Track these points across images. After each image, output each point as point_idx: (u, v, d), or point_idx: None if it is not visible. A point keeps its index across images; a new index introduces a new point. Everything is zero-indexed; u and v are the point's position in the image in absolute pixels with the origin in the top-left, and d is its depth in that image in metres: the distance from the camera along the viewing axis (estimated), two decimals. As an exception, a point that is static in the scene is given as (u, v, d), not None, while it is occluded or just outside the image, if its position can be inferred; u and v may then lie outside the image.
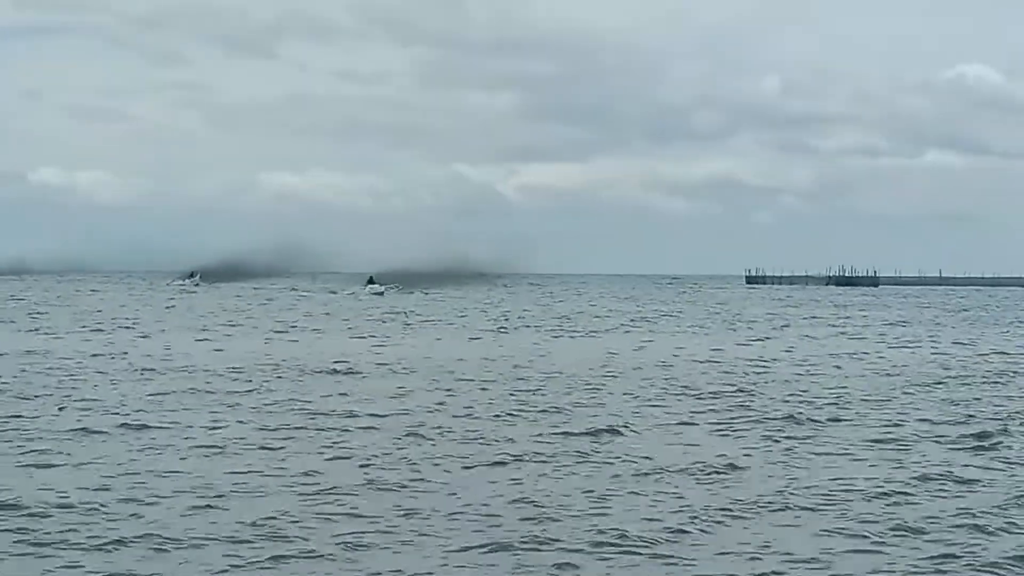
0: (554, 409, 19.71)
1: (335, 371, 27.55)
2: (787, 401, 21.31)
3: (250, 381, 24.65)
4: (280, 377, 25.84)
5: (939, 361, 32.51)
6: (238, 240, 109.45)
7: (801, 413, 19.15)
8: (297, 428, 17.54)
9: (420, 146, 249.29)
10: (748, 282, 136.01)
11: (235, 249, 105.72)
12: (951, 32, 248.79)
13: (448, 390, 22.98)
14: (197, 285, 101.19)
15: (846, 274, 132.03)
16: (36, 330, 43.27)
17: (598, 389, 23.08)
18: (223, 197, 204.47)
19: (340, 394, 22.48)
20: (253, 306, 69.89)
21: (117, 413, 18.90)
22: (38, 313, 55.64)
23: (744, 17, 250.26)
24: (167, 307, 65.17)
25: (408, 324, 49.67)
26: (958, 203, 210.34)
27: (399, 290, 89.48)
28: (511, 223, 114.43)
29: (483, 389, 23.27)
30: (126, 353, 32.59)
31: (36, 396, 21.23)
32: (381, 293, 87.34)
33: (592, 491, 12.56)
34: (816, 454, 15.39)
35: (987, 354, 35.44)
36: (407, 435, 16.67)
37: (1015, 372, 29.04)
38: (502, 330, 44.92)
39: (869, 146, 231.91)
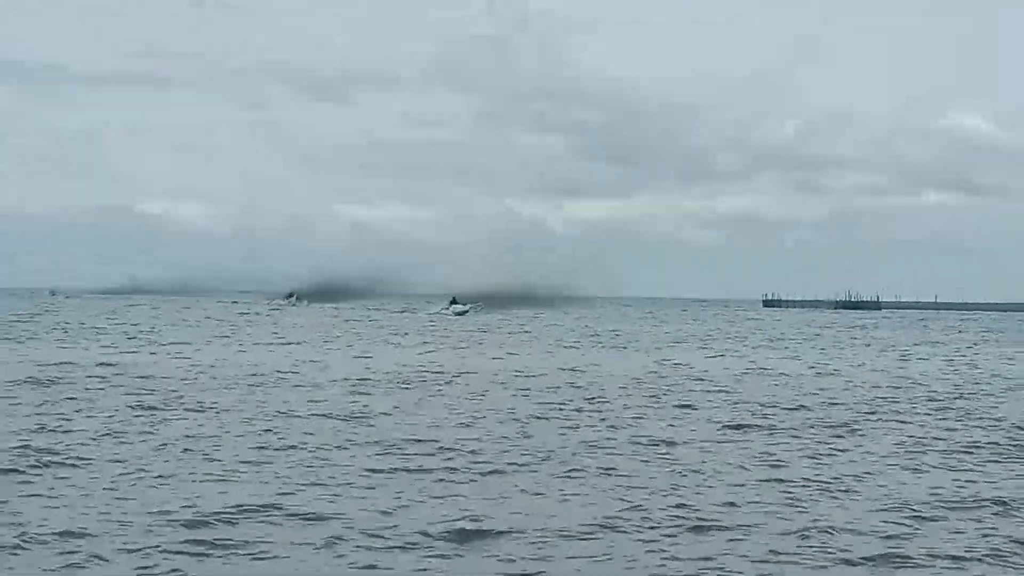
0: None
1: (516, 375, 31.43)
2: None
3: (467, 385, 28.17)
4: (457, 382, 29.18)
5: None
6: (322, 265, 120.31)
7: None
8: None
9: (476, 183, 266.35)
10: (765, 305, 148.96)
11: (323, 273, 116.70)
12: (948, 84, 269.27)
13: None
14: (294, 305, 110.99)
15: (852, 299, 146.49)
16: (184, 343, 45.36)
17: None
18: (303, 227, 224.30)
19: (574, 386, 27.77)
20: (363, 321, 76.77)
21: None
22: (175, 328, 59.90)
23: (765, 71, 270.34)
24: (294, 324, 69.75)
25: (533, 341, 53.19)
26: (953, 237, 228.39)
27: (479, 310, 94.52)
28: (558, 252, 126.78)
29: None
30: (310, 361, 35.74)
31: (235, 397, 23.77)
32: (464, 312, 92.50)
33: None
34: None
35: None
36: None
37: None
38: (619, 347, 49.45)
39: (875, 186, 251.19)
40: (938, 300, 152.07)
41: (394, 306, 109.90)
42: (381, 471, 14.88)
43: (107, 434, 17.94)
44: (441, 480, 14.49)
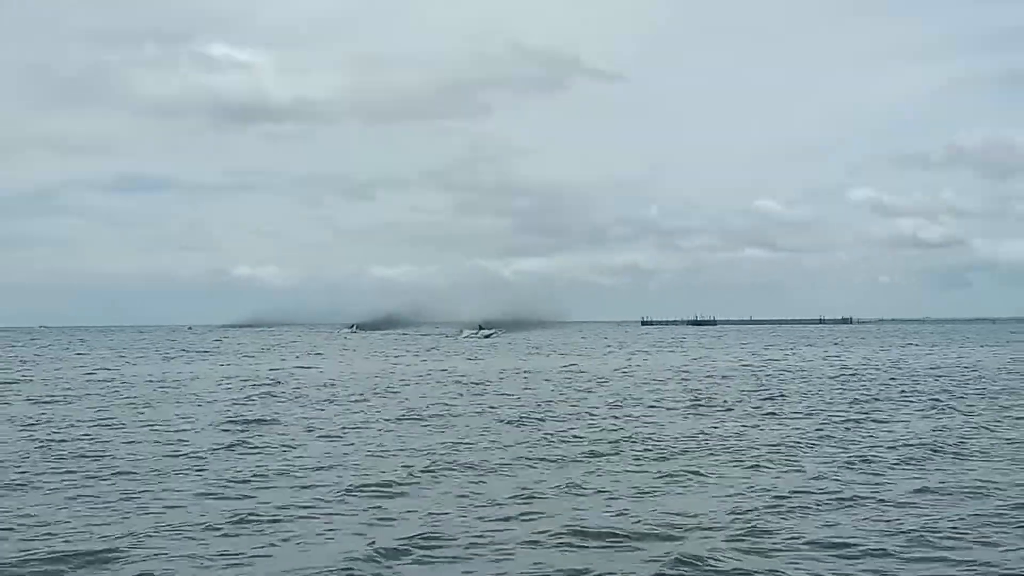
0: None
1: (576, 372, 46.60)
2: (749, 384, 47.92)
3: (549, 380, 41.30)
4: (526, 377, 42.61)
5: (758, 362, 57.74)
6: (367, 307, 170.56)
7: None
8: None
9: (456, 250, 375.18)
10: (643, 324, 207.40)
11: (369, 312, 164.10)
12: (755, 180, 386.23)
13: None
14: (355, 332, 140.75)
15: (699, 319, 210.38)
16: (301, 355, 66.09)
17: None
18: (346, 282, 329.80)
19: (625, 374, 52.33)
20: (419, 343, 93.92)
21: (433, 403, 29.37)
22: (294, 348, 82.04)
23: (641, 172, 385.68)
24: (375, 347, 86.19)
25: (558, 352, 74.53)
26: (762, 278, 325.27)
27: (500, 334, 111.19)
28: (510, 295, 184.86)
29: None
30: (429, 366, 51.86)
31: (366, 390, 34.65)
32: (490, 335, 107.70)
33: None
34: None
35: (778, 358, 60.77)
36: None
37: (804, 367, 51.42)
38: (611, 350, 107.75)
39: (712, 246, 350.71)
40: (752, 318, 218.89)
41: (433, 332, 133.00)
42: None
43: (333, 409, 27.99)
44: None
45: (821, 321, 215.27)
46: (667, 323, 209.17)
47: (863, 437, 21.47)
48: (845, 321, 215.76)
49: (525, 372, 47.09)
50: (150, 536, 12.45)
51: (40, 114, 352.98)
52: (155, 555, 11.57)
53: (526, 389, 36.18)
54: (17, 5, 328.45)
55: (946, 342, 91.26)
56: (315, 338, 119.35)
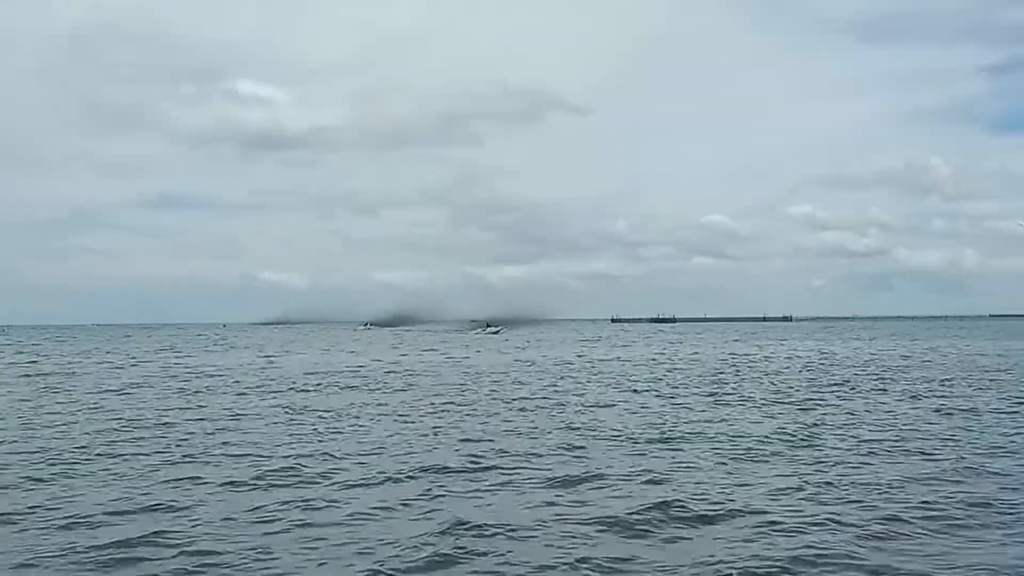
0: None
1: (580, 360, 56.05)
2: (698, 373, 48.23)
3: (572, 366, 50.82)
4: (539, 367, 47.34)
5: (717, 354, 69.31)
6: (377, 306, 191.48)
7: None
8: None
9: (450, 258, 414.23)
10: (612, 322, 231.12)
11: (380, 311, 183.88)
12: (706, 197, 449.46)
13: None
14: (368, 329, 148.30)
15: (660, 317, 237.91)
16: (327, 350, 72.92)
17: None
18: (357, 285, 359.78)
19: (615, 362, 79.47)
20: (439, 338, 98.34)
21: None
22: (324, 343, 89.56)
23: (609, 193, 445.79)
24: (393, 342, 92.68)
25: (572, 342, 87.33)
26: (713, 281, 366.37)
27: (506, 330, 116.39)
28: (499, 297, 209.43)
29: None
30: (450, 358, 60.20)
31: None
32: (497, 331, 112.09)
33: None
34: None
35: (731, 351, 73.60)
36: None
37: (768, 356, 58.72)
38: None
39: (669, 255, 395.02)
40: (707, 316, 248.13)
41: (444, 329, 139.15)
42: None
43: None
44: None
45: (764, 319, 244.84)
46: (634, 320, 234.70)
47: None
48: (786, 319, 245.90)
49: (567, 361, 53.52)
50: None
51: (92, 140, 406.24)
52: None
53: (588, 379, 39.47)
54: (74, 46, 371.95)
55: (883, 336, 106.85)
56: (339, 334, 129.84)
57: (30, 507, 13.76)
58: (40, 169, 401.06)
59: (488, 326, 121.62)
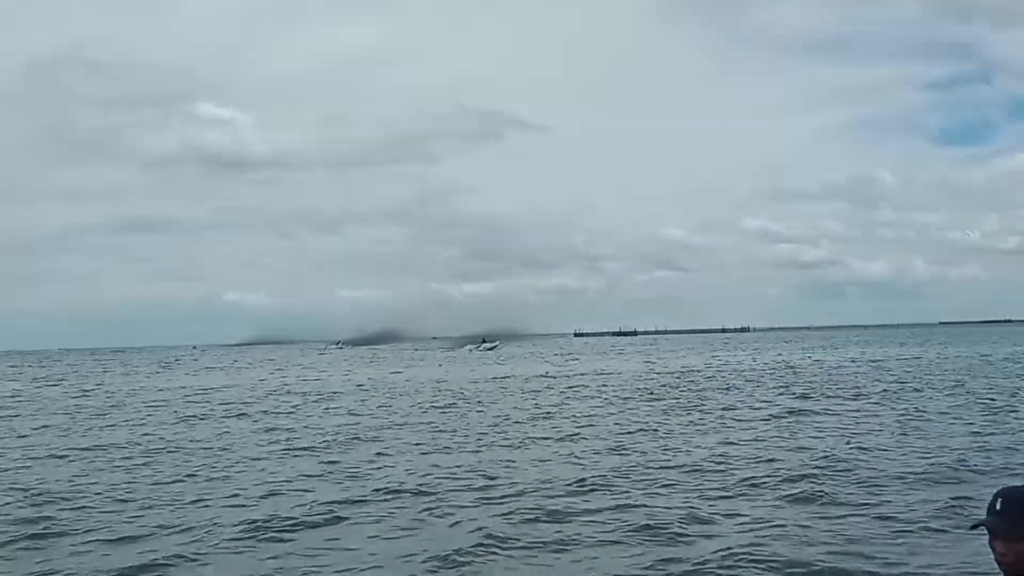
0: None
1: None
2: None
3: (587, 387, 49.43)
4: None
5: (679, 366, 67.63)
6: (341, 324, 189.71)
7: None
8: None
9: (413, 275, 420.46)
10: (575, 336, 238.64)
11: (349, 328, 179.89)
12: (662, 212, 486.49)
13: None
14: (341, 348, 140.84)
15: (622, 330, 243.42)
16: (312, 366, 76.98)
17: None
18: (321, 303, 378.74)
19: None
20: (434, 355, 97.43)
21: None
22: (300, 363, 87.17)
23: (568, 207, 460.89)
24: (368, 361, 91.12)
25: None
26: (669, 293, 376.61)
27: (502, 345, 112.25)
28: (461, 315, 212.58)
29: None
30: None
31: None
32: (493, 348, 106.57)
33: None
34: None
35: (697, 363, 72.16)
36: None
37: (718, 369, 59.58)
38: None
39: (627, 268, 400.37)
40: (666, 328, 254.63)
41: (424, 346, 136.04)
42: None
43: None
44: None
45: (723, 330, 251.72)
46: (596, 334, 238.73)
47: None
48: (744, 330, 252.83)
49: (601, 372, 57.27)
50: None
51: (57, 168, 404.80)
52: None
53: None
54: (37, 74, 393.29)
55: (844, 345, 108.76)
56: (315, 355, 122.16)
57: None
58: (4, 195, 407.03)
59: (484, 342, 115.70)
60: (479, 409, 32.53)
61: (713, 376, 50.22)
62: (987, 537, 3.57)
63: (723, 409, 29.80)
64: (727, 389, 39.50)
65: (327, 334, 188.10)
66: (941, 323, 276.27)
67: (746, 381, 44.65)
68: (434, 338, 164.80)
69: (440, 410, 32.41)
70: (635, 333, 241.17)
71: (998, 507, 3.51)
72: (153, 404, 38.68)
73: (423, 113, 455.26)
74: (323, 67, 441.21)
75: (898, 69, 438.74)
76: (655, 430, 24.73)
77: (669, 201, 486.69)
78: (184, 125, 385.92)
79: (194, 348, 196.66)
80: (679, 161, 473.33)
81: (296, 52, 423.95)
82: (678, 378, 48.92)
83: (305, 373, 66.73)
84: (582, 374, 55.96)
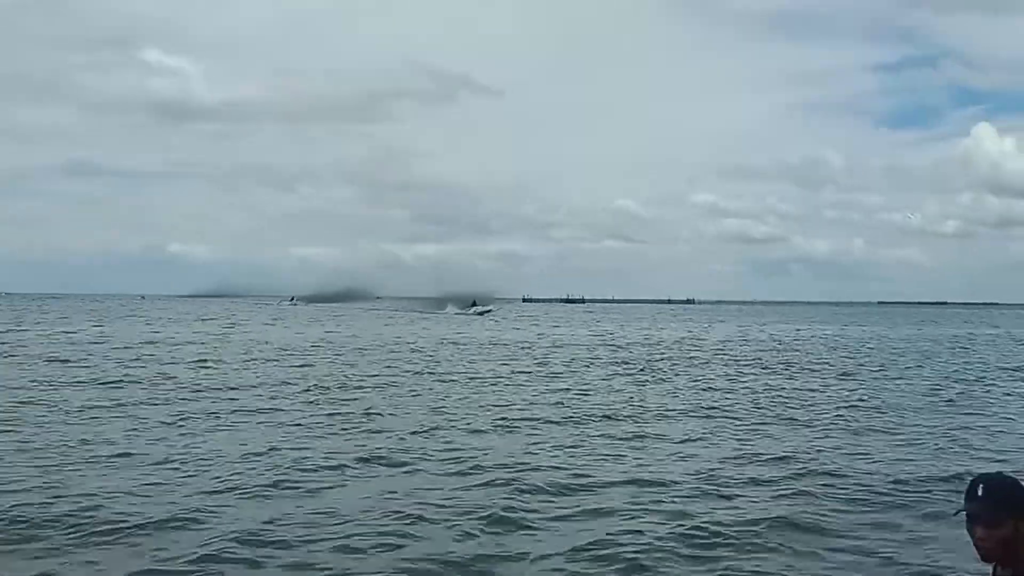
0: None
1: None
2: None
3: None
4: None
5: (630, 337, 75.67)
6: (298, 281, 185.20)
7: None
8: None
9: (366, 235, 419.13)
10: (523, 301, 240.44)
11: (303, 286, 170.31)
12: (615, 183, 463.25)
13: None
14: (295, 305, 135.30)
15: (570, 297, 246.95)
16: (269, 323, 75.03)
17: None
18: (271, 259, 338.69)
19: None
20: (429, 320, 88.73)
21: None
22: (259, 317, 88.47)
23: (518, 176, 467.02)
24: (334, 319, 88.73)
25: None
26: (620, 264, 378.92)
27: (495, 310, 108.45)
28: (412, 277, 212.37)
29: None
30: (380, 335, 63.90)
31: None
32: (486, 312, 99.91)
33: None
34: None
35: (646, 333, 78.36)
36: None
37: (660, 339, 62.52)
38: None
39: (578, 237, 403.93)
40: (613, 297, 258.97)
41: (395, 306, 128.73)
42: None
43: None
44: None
45: (669, 301, 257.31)
46: (544, 301, 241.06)
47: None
48: (689, 302, 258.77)
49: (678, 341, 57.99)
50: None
51: (5, 108, 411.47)
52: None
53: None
54: None
55: (805, 321, 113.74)
56: (278, 310, 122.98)
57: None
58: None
59: (475, 304, 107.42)
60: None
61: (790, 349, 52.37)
62: (966, 524, 3.54)
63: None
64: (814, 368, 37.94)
65: (278, 290, 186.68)
66: (879, 303, 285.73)
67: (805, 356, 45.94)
68: (403, 299, 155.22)
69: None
70: (583, 301, 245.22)
71: (979, 493, 3.46)
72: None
73: (378, 71, 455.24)
74: (276, 18, 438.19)
75: (851, 52, 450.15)
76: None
77: (622, 173, 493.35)
78: (134, 70, 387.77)
79: (142, 298, 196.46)
80: (632, 133, 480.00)
81: (249, 2, 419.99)
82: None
83: (337, 329, 66.43)
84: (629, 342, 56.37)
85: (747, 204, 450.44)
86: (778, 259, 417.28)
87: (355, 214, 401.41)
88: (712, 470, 14.86)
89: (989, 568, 3.64)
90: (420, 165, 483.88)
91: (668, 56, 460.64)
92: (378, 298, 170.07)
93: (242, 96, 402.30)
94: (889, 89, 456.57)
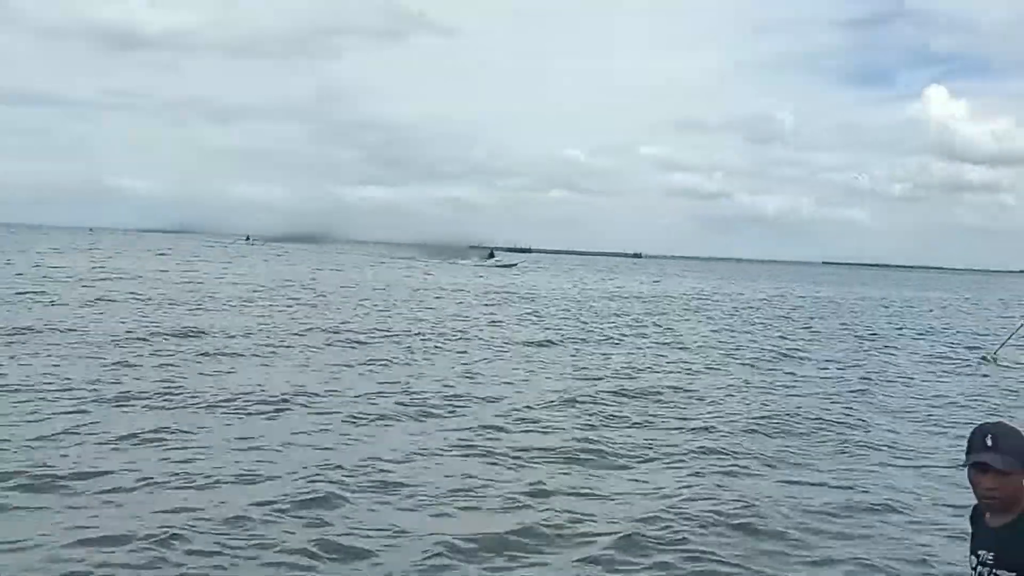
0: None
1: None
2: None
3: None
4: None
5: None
6: (253, 220, 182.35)
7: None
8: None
9: (313, 176, 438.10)
10: (471, 248, 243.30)
11: (259, 225, 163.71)
12: (563, 132, 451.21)
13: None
14: (252, 244, 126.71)
15: (516, 247, 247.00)
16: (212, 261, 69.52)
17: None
18: (214, 197, 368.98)
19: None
20: (450, 270, 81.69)
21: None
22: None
23: (471, 123, 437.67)
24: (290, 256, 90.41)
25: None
26: (567, 213, 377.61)
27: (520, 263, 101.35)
28: (356, 217, 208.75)
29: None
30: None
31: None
32: (511, 265, 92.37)
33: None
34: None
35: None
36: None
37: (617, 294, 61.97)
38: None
39: (525, 185, 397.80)
40: (559, 249, 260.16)
41: (382, 252, 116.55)
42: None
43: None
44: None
45: (615, 254, 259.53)
46: (506, 249, 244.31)
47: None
48: (636, 255, 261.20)
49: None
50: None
51: None
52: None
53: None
54: None
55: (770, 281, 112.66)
56: (255, 249, 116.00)
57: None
58: None
59: (492, 255, 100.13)
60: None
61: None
62: (968, 474, 3.60)
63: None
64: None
65: (230, 228, 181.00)
66: (824, 263, 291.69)
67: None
68: (391, 244, 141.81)
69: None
70: (529, 251, 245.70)
71: (988, 443, 3.52)
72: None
73: (326, 4, 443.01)
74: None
75: (813, 5, 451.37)
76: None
77: (571, 121, 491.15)
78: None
79: (90, 231, 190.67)
80: (584, 82, 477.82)
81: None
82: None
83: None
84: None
85: (697, 158, 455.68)
86: (726, 215, 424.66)
87: (300, 153, 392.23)
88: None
89: None
90: (369, 104, 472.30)
91: (626, 5, 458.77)
92: (360, 242, 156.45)
93: (183, 24, 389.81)
94: (848, 47, 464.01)
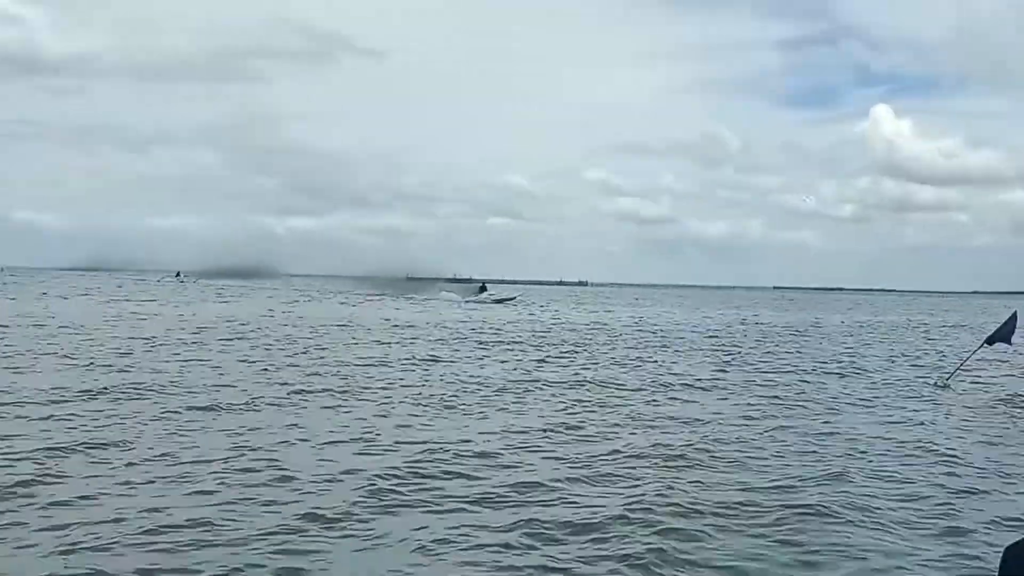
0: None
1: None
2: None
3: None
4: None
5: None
6: (156, 255, 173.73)
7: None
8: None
9: (230, 205, 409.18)
10: (408, 280, 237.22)
11: (176, 261, 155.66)
12: (503, 157, 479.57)
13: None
14: (183, 282, 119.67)
15: (457, 277, 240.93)
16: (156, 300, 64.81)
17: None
18: (128, 231, 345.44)
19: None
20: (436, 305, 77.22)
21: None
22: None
23: (401, 145, 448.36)
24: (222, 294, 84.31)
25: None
26: (504, 241, 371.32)
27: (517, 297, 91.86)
28: (286, 250, 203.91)
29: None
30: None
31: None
32: (510, 299, 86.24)
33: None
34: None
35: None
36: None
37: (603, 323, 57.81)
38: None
39: (463, 212, 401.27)
40: (503, 278, 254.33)
41: (331, 288, 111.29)
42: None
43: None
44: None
45: (560, 283, 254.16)
46: (428, 279, 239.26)
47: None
48: (581, 284, 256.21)
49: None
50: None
51: None
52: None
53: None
54: None
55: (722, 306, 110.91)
56: (190, 287, 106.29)
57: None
58: None
59: (483, 289, 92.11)
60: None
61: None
62: None
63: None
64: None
65: (152, 264, 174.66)
66: (775, 287, 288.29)
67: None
68: (342, 277, 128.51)
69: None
70: (470, 281, 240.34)
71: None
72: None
73: (241, 26, 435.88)
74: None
75: (752, 26, 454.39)
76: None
77: (510, 146, 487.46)
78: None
79: (2, 271, 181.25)
80: (521, 105, 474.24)
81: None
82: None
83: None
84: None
85: (642, 182, 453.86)
86: (673, 240, 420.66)
87: (218, 181, 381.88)
88: None
89: None
90: (291, 130, 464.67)
91: (561, 25, 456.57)
92: (302, 275, 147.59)
93: (89, 48, 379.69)
94: (790, 67, 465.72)
